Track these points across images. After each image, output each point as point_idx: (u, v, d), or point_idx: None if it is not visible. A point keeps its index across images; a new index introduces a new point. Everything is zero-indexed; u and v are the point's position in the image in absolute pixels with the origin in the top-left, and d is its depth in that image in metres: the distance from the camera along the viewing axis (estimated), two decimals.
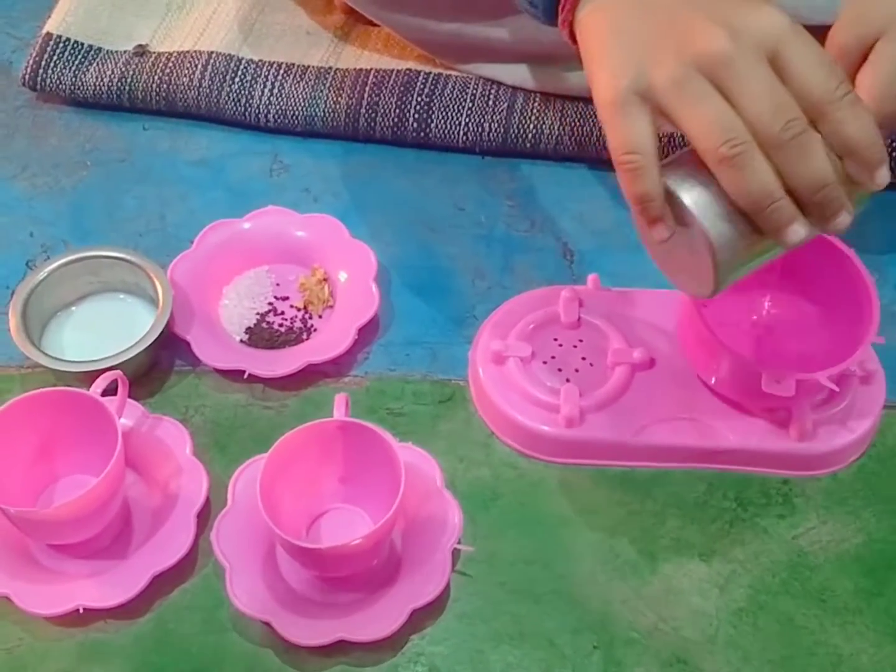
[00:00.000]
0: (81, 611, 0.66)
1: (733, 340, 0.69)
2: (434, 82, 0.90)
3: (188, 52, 0.92)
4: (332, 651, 0.66)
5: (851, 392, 0.73)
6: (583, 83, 0.85)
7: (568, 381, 0.74)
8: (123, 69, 0.91)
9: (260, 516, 0.64)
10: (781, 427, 0.72)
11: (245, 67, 0.91)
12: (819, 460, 0.73)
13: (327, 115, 0.89)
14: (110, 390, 0.70)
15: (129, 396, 0.72)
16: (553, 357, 0.76)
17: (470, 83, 0.90)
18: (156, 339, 0.75)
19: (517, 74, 0.89)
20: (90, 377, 0.70)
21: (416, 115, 0.88)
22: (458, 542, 0.68)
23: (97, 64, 0.92)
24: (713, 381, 0.72)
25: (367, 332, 0.78)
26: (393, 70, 0.91)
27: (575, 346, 0.76)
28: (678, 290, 0.78)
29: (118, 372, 0.70)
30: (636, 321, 0.76)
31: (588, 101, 0.87)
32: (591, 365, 0.75)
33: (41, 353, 0.75)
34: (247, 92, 0.90)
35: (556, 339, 0.77)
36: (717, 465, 0.74)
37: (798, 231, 0.56)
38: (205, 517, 0.70)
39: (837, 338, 0.72)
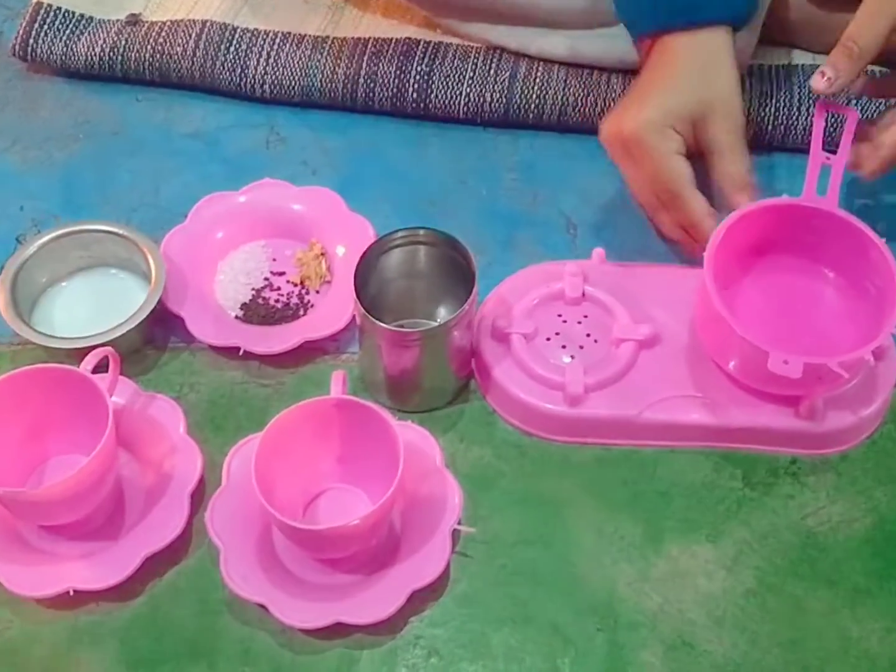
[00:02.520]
0: (72, 593, 0.65)
1: (751, 324, 0.67)
2: (434, 51, 0.88)
3: (182, 21, 0.90)
4: (330, 633, 0.65)
5: (863, 370, 0.71)
6: (592, 51, 0.85)
7: (572, 358, 0.73)
8: (115, 39, 0.89)
9: (255, 496, 0.63)
10: (791, 405, 0.70)
11: (240, 36, 0.89)
12: (829, 439, 0.72)
13: (325, 85, 0.87)
14: (102, 367, 0.69)
15: (122, 374, 0.71)
16: (557, 333, 0.74)
17: (471, 52, 0.88)
18: (148, 316, 0.74)
19: (522, 38, 0.87)
20: (81, 354, 0.68)
21: (416, 86, 0.87)
22: (459, 523, 0.67)
23: (88, 34, 0.90)
24: (726, 364, 0.70)
25: None
26: (392, 39, 0.89)
27: (579, 323, 0.75)
28: (685, 266, 0.77)
29: (109, 348, 0.69)
30: (642, 296, 0.75)
31: (592, 69, 0.86)
32: (596, 342, 0.74)
33: (31, 329, 0.74)
34: (242, 62, 0.88)
35: (559, 315, 0.75)
36: (724, 444, 0.72)
37: None
38: (199, 497, 0.69)
39: (858, 324, 0.70)
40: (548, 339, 0.74)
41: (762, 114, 0.85)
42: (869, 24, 0.68)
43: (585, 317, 0.75)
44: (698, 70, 0.74)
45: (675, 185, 0.73)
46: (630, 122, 0.73)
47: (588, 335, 0.74)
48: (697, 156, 0.75)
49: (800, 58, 0.89)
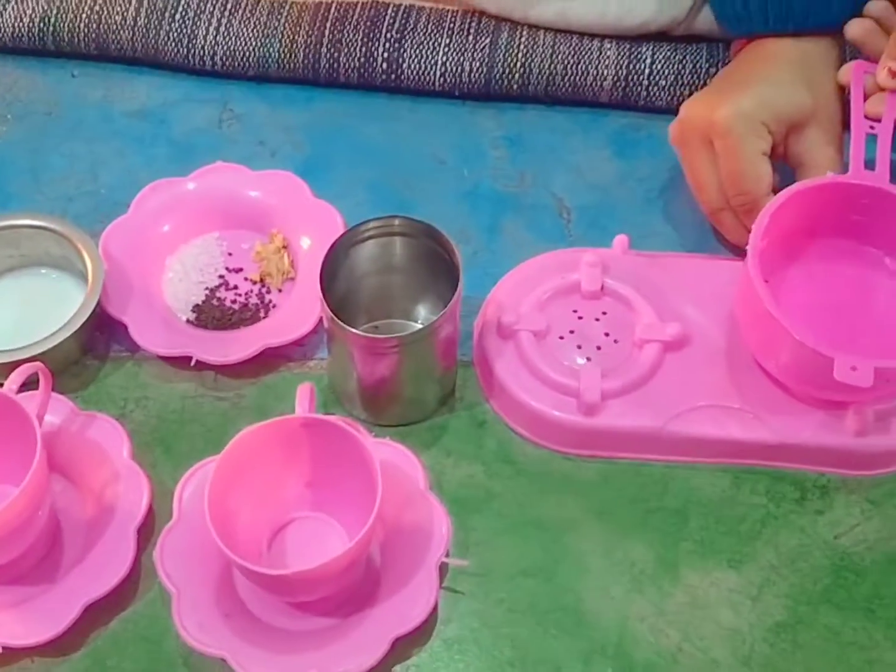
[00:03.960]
0: (1, 650, 0.59)
1: (799, 319, 0.61)
2: (405, 15, 0.82)
3: None
4: None
5: None
6: (584, 16, 0.79)
7: (588, 359, 0.67)
8: (46, 7, 0.83)
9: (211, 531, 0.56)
10: (838, 418, 0.64)
11: (187, 2, 0.83)
12: (883, 458, 0.65)
13: (283, 55, 0.82)
14: (33, 384, 0.63)
15: (57, 390, 0.65)
16: (571, 332, 0.68)
17: (447, 16, 0.82)
18: (86, 322, 0.68)
19: (504, 2, 0.80)
20: (11, 369, 0.62)
21: (386, 55, 0.81)
22: (447, 555, 0.61)
23: (16, 2, 0.84)
24: (774, 368, 0.65)
25: None
26: (358, 2, 0.83)
27: (597, 320, 0.69)
28: (717, 256, 0.73)
29: (37, 364, 0.62)
30: (669, 291, 0.69)
31: (583, 35, 0.80)
32: (616, 342, 0.68)
33: None
34: (189, 30, 0.82)
35: (575, 311, 0.69)
36: (762, 462, 0.66)
37: None
38: (147, 532, 0.63)
39: None
40: (561, 338, 0.68)
41: None
42: None
43: (604, 313, 0.69)
44: (803, 73, 0.69)
45: (756, 190, 0.67)
46: (726, 107, 0.67)
47: (607, 334, 0.68)
48: (781, 162, 0.71)
49: None
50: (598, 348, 0.67)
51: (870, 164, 0.65)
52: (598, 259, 0.69)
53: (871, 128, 0.66)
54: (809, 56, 0.70)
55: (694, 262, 0.72)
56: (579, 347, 0.67)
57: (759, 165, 0.67)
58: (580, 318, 0.69)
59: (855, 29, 0.68)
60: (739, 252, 0.69)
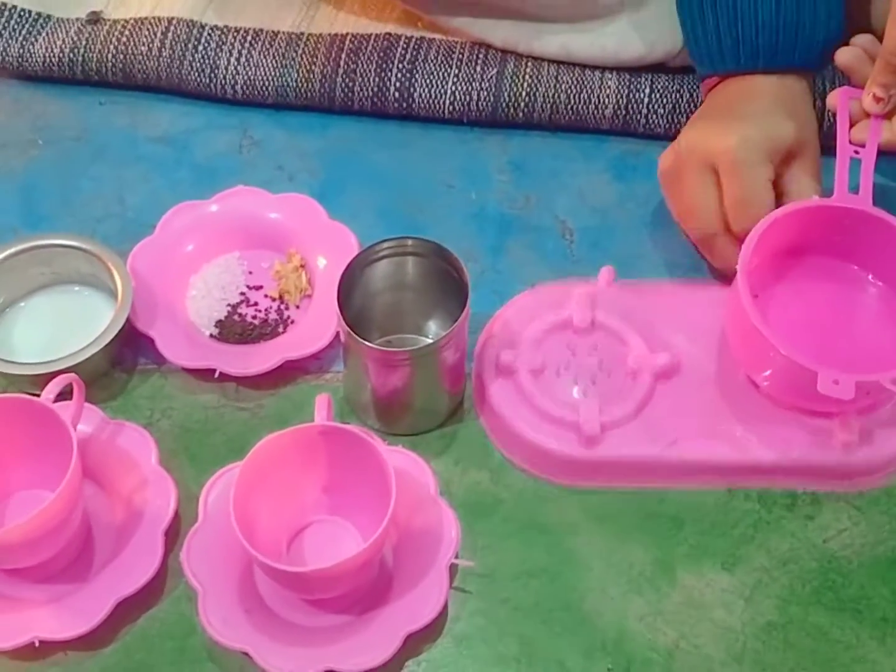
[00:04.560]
0: (38, 644, 0.61)
1: (785, 335, 0.63)
2: (417, 47, 0.84)
3: (146, 18, 0.86)
4: None
5: None
6: (586, 49, 0.82)
7: (584, 393, 0.68)
8: (76, 38, 0.85)
9: (234, 532, 0.58)
10: (826, 435, 0.66)
11: (209, 34, 0.85)
12: (869, 469, 0.67)
13: (300, 84, 0.83)
14: (67, 394, 0.64)
15: (88, 400, 0.66)
16: (567, 367, 0.69)
17: (456, 47, 0.84)
18: (115, 336, 0.70)
19: (509, 34, 0.82)
20: (45, 380, 0.64)
21: (398, 84, 0.83)
22: (456, 556, 0.63)
23: (47, 33, 0.86)
24: (763, 381, 0.66)
25: None
26: (371, 34, 0.85)
27: (590, 354, 0.69)
28: (700, 282, 0.74)
29: (72, 375, 0.64)
30: (657, 321, 0.70)
31: (585, 66, 0.82)
32: (609, 375, 0.68)
33: None
34: (211, 61, 0.84)
35: (568, 347, 0.70)
36: (755, 480, 0.67)
37: None
38: (173, 534, 0.65)
39: None
40: (557, 375, 0.68)
41: None
42: None
43: (596, 348, 0.70)
44: (786, 107, 0.71)
45: (761, 216, 0.67)
46: (734, 136, 0.68)
47: (601, 368, 0.69)
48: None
49: None
50: (593, 382, 0.68)
51: (854, 188, 0.66)
52: (587, 295, 0.70)
53: (856, 152, 0.67)
54: (786, 91, 0.71)
55: (680, 289, 0.72)
56: (575, 382, 0.68)
57: (765, 193, 0.68)
58: (573, 353, 0.69)
59: (844, 56, 0.70)
60: (725, 278, 0.70)
